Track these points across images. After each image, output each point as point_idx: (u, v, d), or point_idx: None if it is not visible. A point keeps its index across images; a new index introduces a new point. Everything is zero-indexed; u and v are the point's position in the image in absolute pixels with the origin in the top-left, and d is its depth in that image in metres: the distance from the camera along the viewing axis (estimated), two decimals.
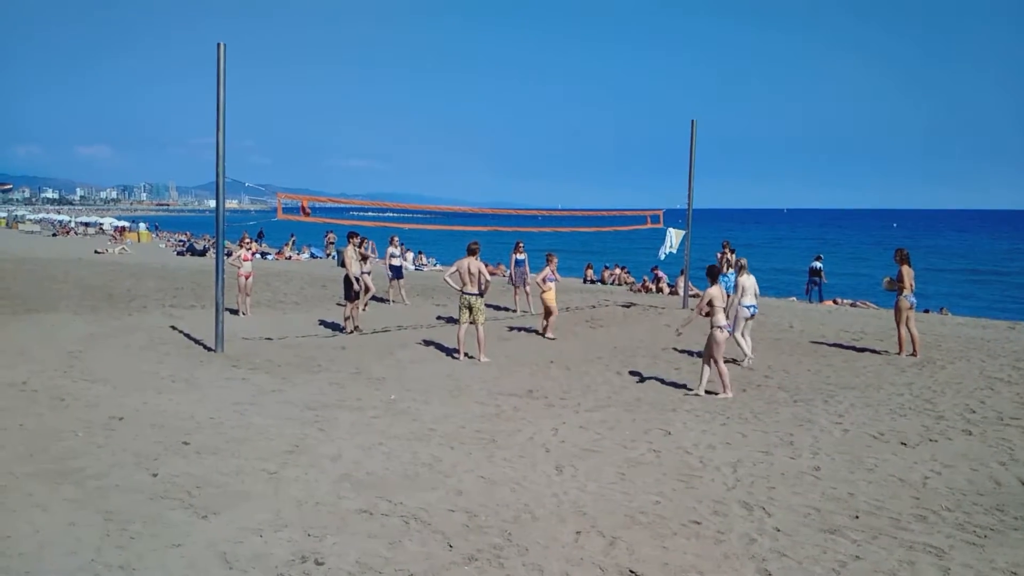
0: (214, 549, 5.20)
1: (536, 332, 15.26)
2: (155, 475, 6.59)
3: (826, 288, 26.31)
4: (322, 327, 15.53)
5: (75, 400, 9.04)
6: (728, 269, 17.48)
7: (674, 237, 19.37)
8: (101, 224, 71.83)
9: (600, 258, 37.78)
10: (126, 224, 66.77)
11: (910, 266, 13.02)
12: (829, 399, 10.00)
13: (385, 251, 20.16)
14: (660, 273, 25.31)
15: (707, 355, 10.17)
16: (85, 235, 61.41)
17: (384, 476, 6.80)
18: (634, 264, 32.46)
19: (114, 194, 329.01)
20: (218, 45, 12.03)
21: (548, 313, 14.81)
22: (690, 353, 13.00)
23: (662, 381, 10.99)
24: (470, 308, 12.41)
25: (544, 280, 14.71)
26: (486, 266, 13.09)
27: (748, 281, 12.40)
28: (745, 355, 12.27)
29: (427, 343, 13.82)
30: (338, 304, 17.85)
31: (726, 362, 10.52)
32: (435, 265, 33.68)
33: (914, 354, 12.75)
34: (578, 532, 5.64)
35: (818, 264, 26.22)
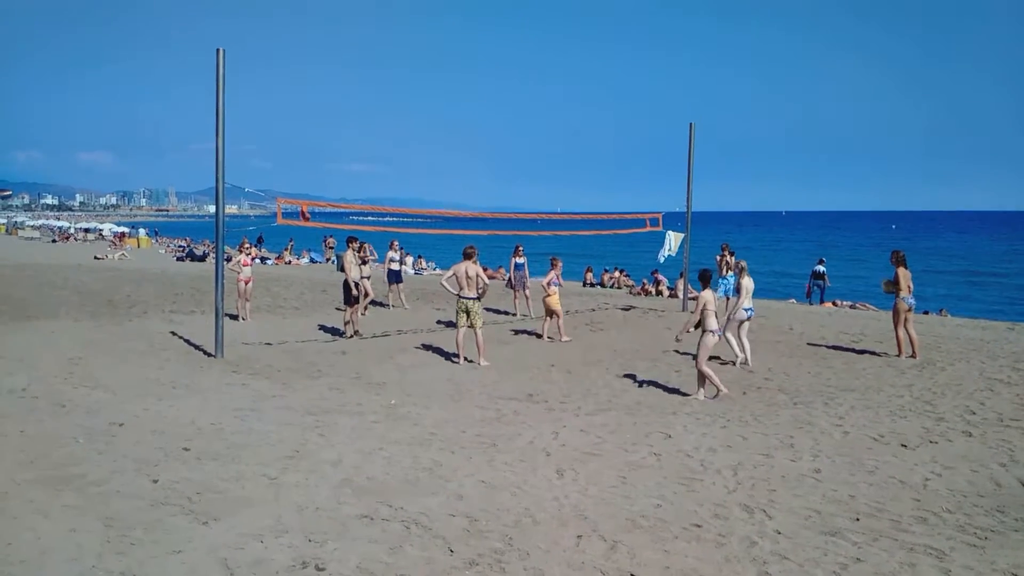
0: (215, 555, 5.20)
1: (536, 335, 15.25)
2: (156, 481, 6.59)
3: (826, 290, 26.33)
4: (322, 332, 15.54)
5: (75, 406, 9.04)
6: (728, 272, 17.50)
7: (673, 240, 19.39)
8: (101, 230, 71.85)
9: (599, 261, 37.82)
10: (126, 230, 66.77)
11: (906, 268, 13.01)
12: (829, 401, 10.01)
13: (385, 255, 20.17)
14: (660, 276, 25.33)
15: (704, 356, 10.17)
16: (85, 241, 61.43)
17: (385, 481, 6.80)
18: (634, 267, 32.49)
19: (114, 200, 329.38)
20: (217, 51, 12.05)
21: (550, 316, 14.81)
22: (691, 356, 13.00)
23: (662, 384, 11.00)
24: (468, 312, 12.41)
25: (549, 284, 14.73)
26: (485, 270, 13.10)
27: (750, 284, 12.45)
28: (736, 355, 12.33)
29: (427, 347, 13.82)
30: (338, 309, 17.85)
31: (711, 358, 10.57)
32: (435, 269, 33.69)
33: (913, 356, 12.75)
34: (579, 536, 5.64)
35: (821, 268, 26.32)
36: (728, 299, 16.19)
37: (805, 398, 10.20)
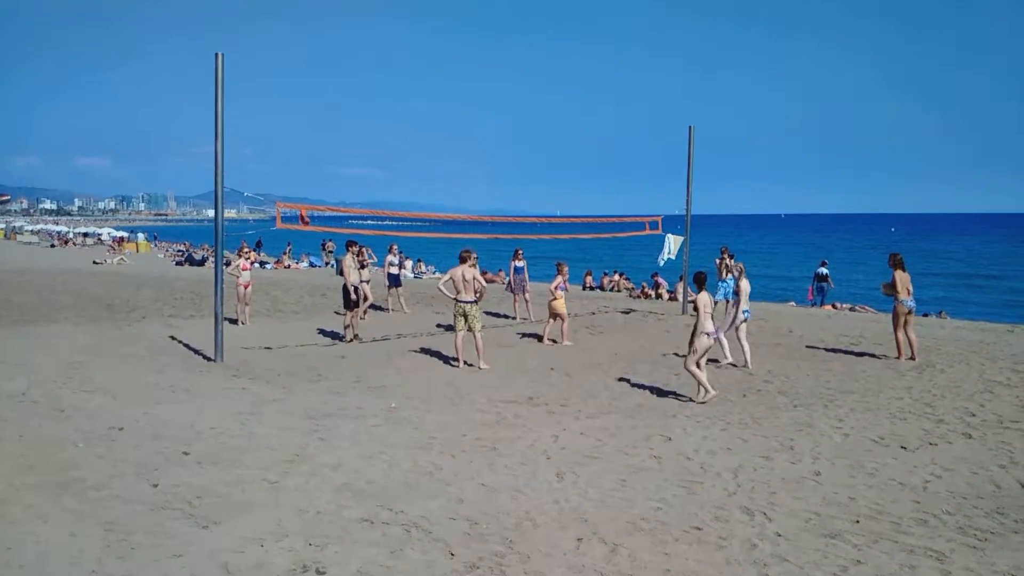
0: (215, 559, 5.20)
1: (537, 338, 15.26)
2: (156, 485, 6.59)
3: (828, 293, 26.45)
4: (321, 336, 15.54)
5: (75, 411, 9.04)
6: (727, 275, 17.50)
7: (673, 243, 19.41)
8: (100, 235, 71.84)
9: (599, 264, 37.82)
10: (124, 234, 66.75)
11: (904, 271, 12.99)
12: (829, 404, 10.01)
13: (384, 259, 20.18)
14: (660, 279, 25.34)
15: (693, 358, 10.17)
16: (83, 246, 61.44)
17: (385, 485, 6.80)
18: (633, 270, 32.50)
19: (112, 204, 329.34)
20: (216, 55, 12.07)
21: (554, 319, 14.83)
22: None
23: (662, 387, 10.99)
24: (465, 316, 12.41)
25: (556, 288, 14.75)
26: (484, 274, 13.11)
27: (747, 286, 12.49)
28: (725, 356, 12.40)
29: (427, 351, 13.82)
30: (337, 313, 17.85)
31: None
32: (434, 273, 33.69)
33: (913, 358, 12.76)
34: (579, 539, 5.64)
35: (824, 270, 26.49)
36: (728, 302, 16.21)
37: (805, 400, 10.21)
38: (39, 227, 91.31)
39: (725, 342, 12.41)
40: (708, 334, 9.97)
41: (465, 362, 12.45)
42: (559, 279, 14.93)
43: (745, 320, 12.42)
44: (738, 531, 5.83)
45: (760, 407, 9.87)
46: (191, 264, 37.85)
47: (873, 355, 13.49)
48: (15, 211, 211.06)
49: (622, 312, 20.03)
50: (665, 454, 7.82)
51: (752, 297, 12.88)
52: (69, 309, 17.94)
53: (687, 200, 19.36)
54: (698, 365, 10.07)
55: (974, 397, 10.36)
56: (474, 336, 12.44)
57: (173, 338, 14.52)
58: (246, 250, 19.41)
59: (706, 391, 10.02)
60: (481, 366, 12.31)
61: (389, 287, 19.83)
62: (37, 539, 5.44)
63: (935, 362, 12.76)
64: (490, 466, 7.36)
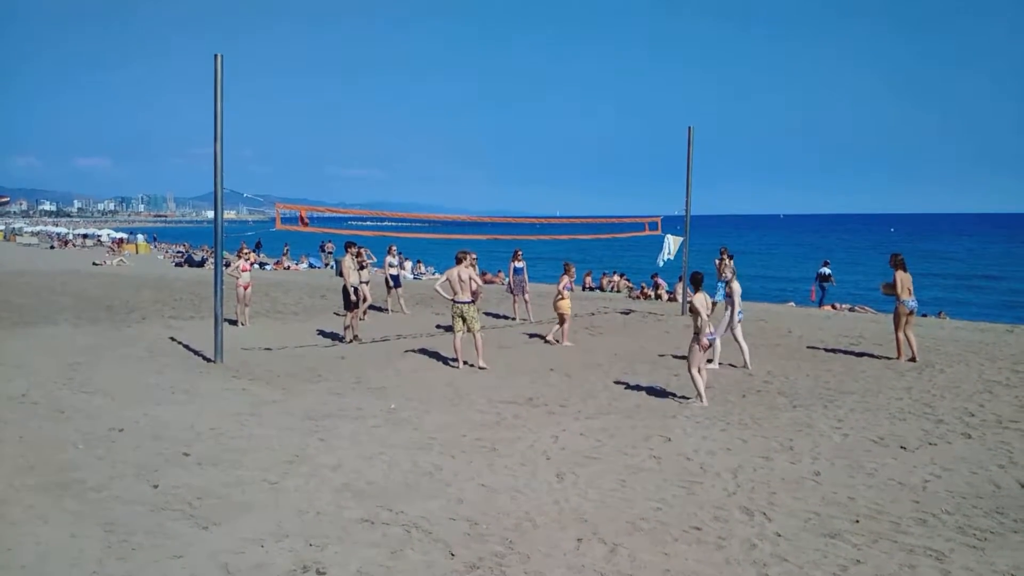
0: (216, 560, 5.20)
1: (540, 337, 15.29)
2: (156, 486, 6.60)
3: (828, 291, 26.58)
4: (321, 337, 15.54)
5: (75, 412, 9.04)
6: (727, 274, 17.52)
7: (672, 244, 19.42)
8: (99, 236, 71.85)
9: (599, 265, 37.83)
10: (124, 236, 66.76)
11: (906, 271, 12.99)
12: (829, 404, 10.02)
13: (384, 260, 20.19)
14: (660, 280, 25.35)
15: (692, 361, 10.16)
16: (83, 247, 61.44)
17: (385, 485, 6.81)
18: (633, 271, 32.51)
19: (112, 206, 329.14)
20: (215, 56, 12.08)
21: (562, 321, 14.85)
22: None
23: (662, 388, 11.00)
24: (463, 317, 12.41)
25: (564, 288, 14.79)
26: (484, 274, 13.13)
27: (739, 287, 12.55)
28: (712, 359, 12.44)
29: (426, 352, 13.83)
30: (337, 314, 17.86)
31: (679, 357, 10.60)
32: (433, 274, 33.68)
33: (913, 359, 12.76)
34: (579, 539, 5.65)
35: (826, 270, 26.61)
36: (724, 303, 16.22)
37: (804, 401, 10.21)
38: (38, 228, 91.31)
39: (719, 345, 12.40)
40: (705, 334, 9.96)
41: (465, 362, 12.45)
42: (566, 279, 14.96)
43: (740, 320, 12.44)
44: (738, 531, 5.83)
45: (760, 407, 9.88)
46: (191, 265, 37.85)
47: (873, 355, 13.50)
48: (14, 212, 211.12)
49: (622, 313, 20.04)
50: (665, 454, 7.83)
51: (752, 297, 12.91)
52: (69, 310, 17.95)
53: (686, 200, 19.36)
54: (700, 371, 10.06)
55: (973, 397, 10.37)
56: (474, 336, 12.45)
57: (173, 339, 14.53)
58: (246, 251, 19.42)
59: (700, 397, 10.00)
60: (480, 365, 12.32)
61: (389, 288, 19.84)
62: (37, 540, 5.45)
63: (934, 362, 12.77)
64: (490, 467, 7.36)
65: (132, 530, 5.65)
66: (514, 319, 18.33)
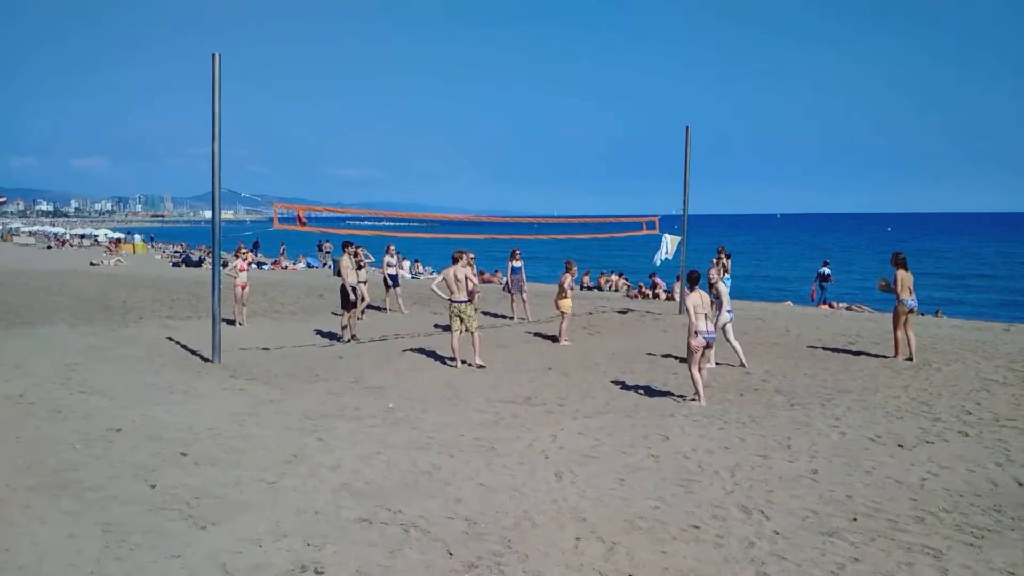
0: (214, 559, 5.20)
1: (541, 336, 15.31)
2: (154, 486, 6.59)
3: (827, 290, 26.71)
4: (319, 336, 15.53)
5: (72, 412, 9.03)
6: (725, 274, 17.53)
7: (670, 243, 19.42)
8: (96, 236, 71.71)
9: (596, 264, 37.83)
10: (121, 236, 66.62)
11: (907, 270, 12.99)
12: (826, 403, 10.03)
13: (382, 260, 20.18)
14: (657, 279, 25.36)
15: (689, 360, 10.17)
16: (80, 247, 61.32)
17: (383, 485, 6.80)
18: (631, 270, 32.51)
19: (109, 206, 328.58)
20: (213, 55, 12.06)
21: (563, 318, 14.90)
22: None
23: (660, 387, 11.01)
24: (461, 316, 12.41)
25: (567, 286, 14.83)
26: (482, 274, 13.14)
27: (725, 287, 12.60)
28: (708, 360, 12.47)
29: (424, 351, 13.82)
30: (334, 313, 17.83)
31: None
32: (431, 273, 33.67)
33: (910, 358, 12.76)
34: (578, 538, 5.65)
35: (826, 269, 26.74)
36: (713, 303, 16.26)
37: (802, 399, 10.23)
38: (35, 228, 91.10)
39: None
40: (698, 333, 9.97)
41: (463, 362, 12.45)
42: (569, 277, 15.00)
43: (730, 320, 12.48)
44: (736, 529, 5.84)
45: (757, 406, 9.89)
46: (188, 265, 37.80)
47: (870, 354, 13.52)
48: (11, 212, 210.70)
49: (619, 312, 20.05)
50: (663, 453, 7.84)
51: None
52: (66, 310, 17.92)
53: (684, 200, 19.36)
54: (700, 369, 10.06)
55: (970, 395, 10.39)
56: (472, 335, 12.46)
57: (170, 339, 14.51)
58: (243, 251, 19.40)
59: (699, 396, 10.00)
60: (477, 363, 12.32)
61: (387, 288, 19.84)
62: (35, 540, 5.44)
63: (932, 361, 12.79)
64: (488, 466, 7.36)
65: (130, 530, 5.64)
66: (512, 318, 18.34)
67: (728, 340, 12.41)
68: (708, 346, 10.12)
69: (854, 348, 14.16)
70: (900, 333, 12.94)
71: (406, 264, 30.13)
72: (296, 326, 16.89)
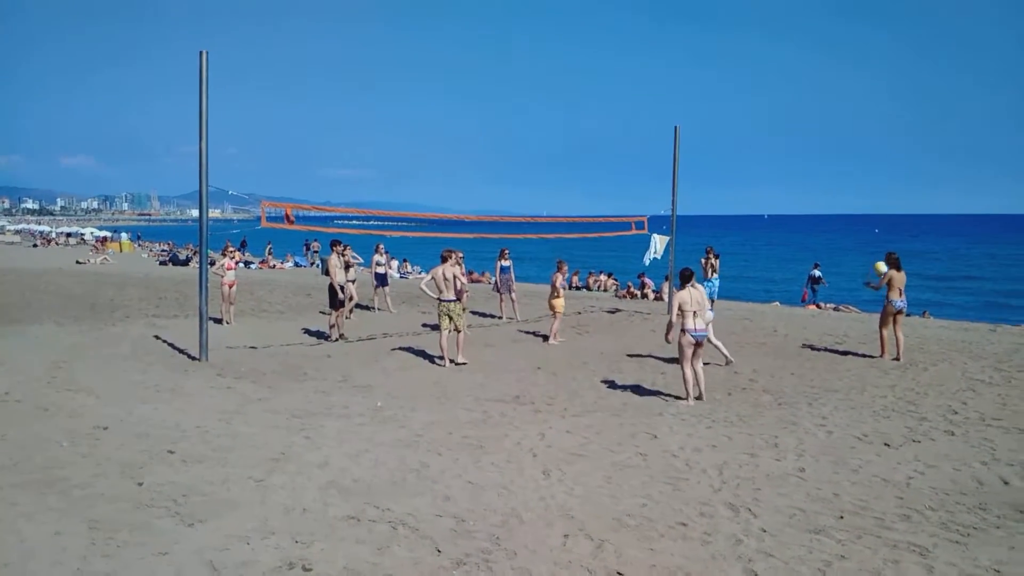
0: (201, 557, 5.18)
1: (532, 334, 15.30)
2: (141, 484, 6.56)
3: (819, 291, 26.84)
4: (307, 335, 15.49)
5: (59, 410, 8.97)
6: (713, 275, 17.60)
7: (659, 243, 19.46)
8: (83, 234, 71.23)
9: (585, 264, 37.86)
10: (108, 234, 66.21)
11: (900, 270, 13.05)
12: (813, 402, 10.08)
13: (371, 259, 20.13)
14: (646, 279, 25.41)
15: (681, 359, 10.19)
16: (66, 245, 60.90)
17: (371, 482, 6.79)
18: (620, 270, 32.55)
19: (95, 204, 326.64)
20: (200, 53, 12.01)
21: (555, 316, 14.91)
22: (676, 359, 13.06)
23: (648, 386, 11.04)
24: (449, 315, 12.41)
25: (559, 285, 14.85)
26: (470, 274, 13.14)
27: (703, 288, 12.64)
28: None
29: (413, 350, 13.81)
30: (322, 312, 17.79)
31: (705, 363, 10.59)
32: (420, 273, 33.61)
33: (897, 359, 12.83)
34: (566, 535, 5.66)
35: (817, 272, 26.88)
36: (713, 301, 16.30)
37: (789, 399, 10.27)
38: (21, 227, 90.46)
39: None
40: (687, 331, 10.00)
41: (451, 360, 12.45)
42: (561, 277, 15.02)
43: (710, 320, 12.52)
44: (723, 527, 5.86)
45: (745, 405, 9.93)
46: (175, 264, 37.62)
47: (857, 354, 13.59)
48: None
49: (608, 312, 20.08)
50: (651, 451, 7.86)
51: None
52: (52, 309, 17.80)
53: (672, 200, 19.40)
54: (693, 368, 10.08)
55: (957, 395, 10.46)
56: (458, 335, 12.48)
57: (157, 337, 14.44)
58: (231, 250, 19.32)
59: (687, 395, 10.03)
60: (459, 360, 12.34)
61: (376, 287, 19.80)
62: (21, 538, 5.41)
63: (918, 360, 12.87)
64: (476, 464, 7.36)
65: (117, 527, 5.61)
66: (501, 318, 18.34)
67: (710, 340, 12.45)
68: (699, 344, 10.11)
69: (841, 348, 14.23)
70: (887, 333, 13.02)
71: (395, 263, 30.08)
72: (284, 325, 16.84)
